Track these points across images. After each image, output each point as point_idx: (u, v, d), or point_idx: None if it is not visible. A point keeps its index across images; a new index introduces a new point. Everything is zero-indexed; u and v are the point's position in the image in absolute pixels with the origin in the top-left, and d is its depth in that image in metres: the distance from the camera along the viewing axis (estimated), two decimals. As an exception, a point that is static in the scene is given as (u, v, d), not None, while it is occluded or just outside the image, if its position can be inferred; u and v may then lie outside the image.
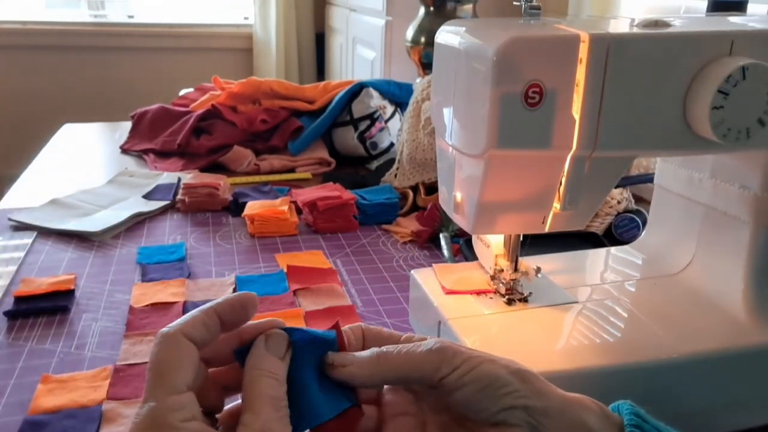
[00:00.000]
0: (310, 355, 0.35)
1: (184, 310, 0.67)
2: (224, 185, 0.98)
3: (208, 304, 0.35)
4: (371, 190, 0.98)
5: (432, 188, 0.96)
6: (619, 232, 0.84)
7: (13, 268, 0.76)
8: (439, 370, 0.35)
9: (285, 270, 0.76)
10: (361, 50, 2.18)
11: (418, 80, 1.24)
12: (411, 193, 0.96)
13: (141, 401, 0.32)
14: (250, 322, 0.36)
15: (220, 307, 0.34)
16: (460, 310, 0.53)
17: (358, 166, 1.18)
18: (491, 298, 0.55)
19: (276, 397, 0.32)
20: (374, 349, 0.37)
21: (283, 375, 0.34)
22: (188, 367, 0.32)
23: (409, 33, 1.31)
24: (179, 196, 0.96)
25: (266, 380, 0.33)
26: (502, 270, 0.55)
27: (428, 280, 0.58)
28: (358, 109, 1.16)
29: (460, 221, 0.51)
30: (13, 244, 0.83)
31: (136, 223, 0.91)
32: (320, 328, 0.66)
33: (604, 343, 0.49)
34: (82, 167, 1.16)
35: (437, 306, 0.54)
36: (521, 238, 0.54)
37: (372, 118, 1.16)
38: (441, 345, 0.36)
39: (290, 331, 0.36)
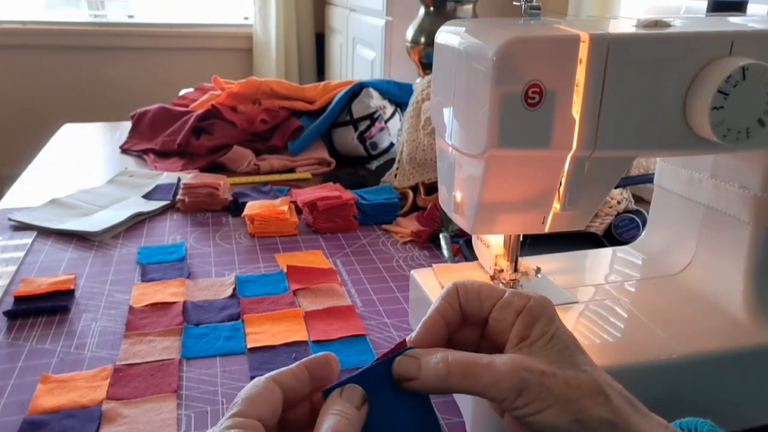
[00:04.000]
0: (386, 387, 0.36)
1: (184, 310, 0.67)
2: (224, 185, 0.98)
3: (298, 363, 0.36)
4: (371, 190, 0.98)
5: (432, 188, 0.96)
6: (619, 233, 0.84)
7: (12, 268, 0.76)
8: (513, 402, 0.34)
9: (285, 270, 0.76)
10: (361, 50, 2.18)
11: (418, 80, 1.24)
12: (411, 193, 0.96)
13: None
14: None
15: (308, 361, 0.36)
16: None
17: (358, 166, 1.18)
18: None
19: (341, 426, 0.33)
20: (442, 357, 0.35)
21: (356, 419, 0.34)
22: (267, 402, 0.33)
23: (409, 33, 1.31)
24: (179, 196, 0.96)
25: (338, 418, 0.33)
26: (502, 270, 0.55)
27: (428, 280, 0.58)
28: (358, 109, 1.16)
29: (460, 221, 0.51)
30: (13, 244, 0.83)
31: (136, 223, 0.91)
32: (321, 327, 0.66)
33: (604, 344, 0.49)
34: (82, 167, 1.16)
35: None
36: (521, 238, 0.54)
37: (372, 118, 1.16)
38: (524, 377, 0.34)
39: (365, 375, 0.35)
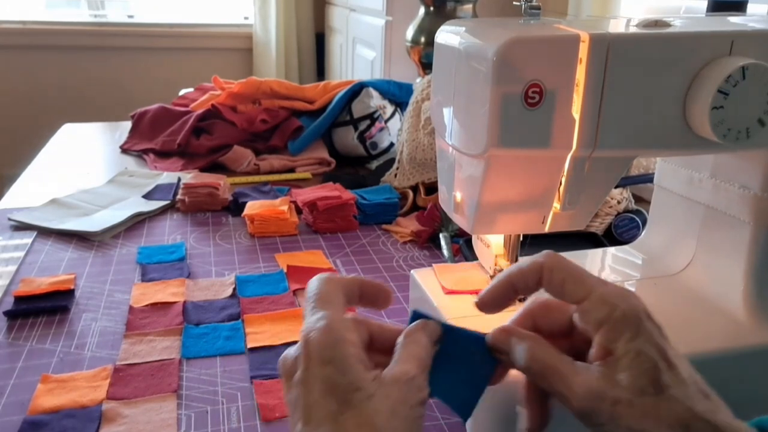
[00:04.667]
0: (457, 346, 0.39)
1: (184, 310, 0.67)
2: (224, 185, 0.98)
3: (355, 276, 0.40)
4: (371, 190, 0.98)
5: (432, 188, 0.96)
6: (619, 232, 0.84)
7: (12, 268, 0.76)
8: (582, 418, 0.35)
9: (285, 270, 0.76)
10: (361, 50, 2.18)
11: (418, 80, 1.24)
12: (411, 193, 0.96)
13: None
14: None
15: (364, 281, 0.40)
16: (460, 310, 0.53)
17: (358, 166, 1.18)
18: (491, 298, 0.55)
19: (422, 359, 0.36)
20: (528, 348, 0.37)
21: (429, 349, 0.37)
22: (343, 301, 0.38)
23: (409, 33, 1.31)
24: (179, 196, 0.96)
25: (417, 346, 0.37)
26: (502, 270, 0.55)
27: (428, 280, 0.58)
28: (358, 109, 1.16)
29: (460, 221, 0.51)
30: (13, 244, 0.83)
31: (136, 223, 0.91)
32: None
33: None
34: (82, 167, 1.16)
35: (437, 306, 0.54)
36: (521, 238, 0.54)
37: (372, 118, 1.16)
38: (595, 406, 0.34)
39: (446, 326, 0.39)
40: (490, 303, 0.40)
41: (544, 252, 0.39)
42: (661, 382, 0.34)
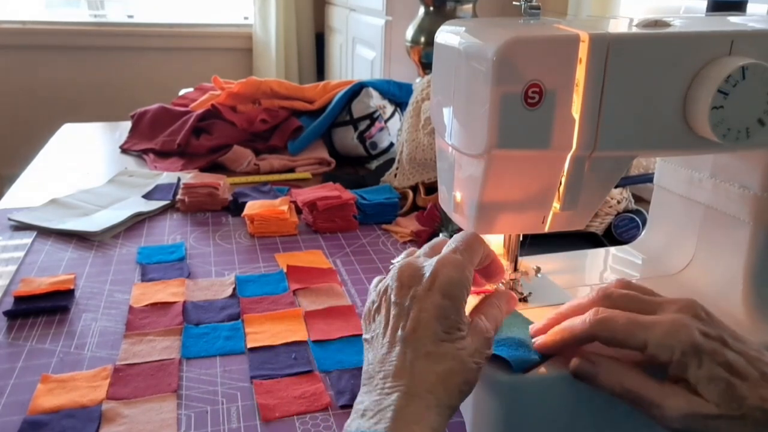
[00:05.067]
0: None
1: (184, 310, 0.67)
2: (224, 185, 0.98)
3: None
4: (371, 190, 0.98)
5: (432, 188, 0.96)
6: (619, 232, 0.84)
7: (12, 268, 0.76)
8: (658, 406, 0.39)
9: (285, 270, 0.76)
10: (361, 50, 2.18)
11: (418, 80, 1.24)
12: (411, 193, 0.96)
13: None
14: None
15: (497, 260, 0.49)
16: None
17: (358, 166, 1.18)
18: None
19: (497, 325, 0.46)
20: (616, 381, 0.41)
21: (501, 319, 0.47)
22: (478, 259, 0.46)
23: (409, 33, 1.31)
24: (179, 196, 0.96)
25: (498, 312, 0.47)
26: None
27: (428, 280, 0.58)
28: (357, 108, 1.16)
29: (460, 221, 0.51)
30: (13, 244, 0.83)
31: (136, 223, 0.91)
32: (321, 327, 0.66)
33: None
34: (82, 167, 1.16)
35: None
36: (521, 238, 0.54)
37: (372, 118, 1.16)
38: (690, 424, 0.38)
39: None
40: (547, 350, 0.46)
41: (592, 312, 0.43)
42: (738, 396, 0.38)
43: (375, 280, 0.48)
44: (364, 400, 0.39)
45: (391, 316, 0.42)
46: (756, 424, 0.37)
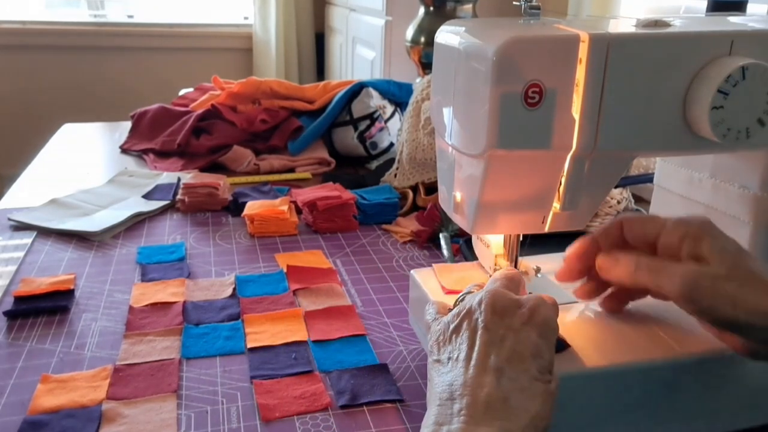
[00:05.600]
0: None
1: (184, 310, 0.67)
2: (224, 185, 0.98)
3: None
4: (371, 190, 0.98)
5: (432, 188, 0.96)
6: (619, 232, 0.84)
7: (12, 268, 0.76)
8: (693, 298, 0.42)
9: (285, 270, 0.76)
10: (361, 50, 2.18)
11: (417, 80, 1.24)
12: (411, 193, 0.96)
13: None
14: None
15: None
16: (460, 310, 0.53)
17: (358, 166, 1.18)
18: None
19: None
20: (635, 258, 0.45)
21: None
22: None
23: (409, 33, 1.31)
24: (179, 196, 0.96)
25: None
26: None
27: (428, 280, 0.58)
28: (357, 109, 1.16)
29: (460, 221, 0.51)
30: (13, 244, 0.83)
31: (136, 223, 0.91)
32: (321, 327, 0.66)
33: (603, 344, 0.49)
34: (82, 167, 1.16)
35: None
36: (521, 238, 0.54)
37: (372, 118, 1.16)
38: (699, 277, 0.41)
39: None
40: (575, 259, 0.49)
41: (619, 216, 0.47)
42: (749, 266, 0.41)
43: (431, 305, 0.48)
44: (443, 422, 0.37)
45: (480, 341, 0.40)
46: (765, 287, 0.40)
